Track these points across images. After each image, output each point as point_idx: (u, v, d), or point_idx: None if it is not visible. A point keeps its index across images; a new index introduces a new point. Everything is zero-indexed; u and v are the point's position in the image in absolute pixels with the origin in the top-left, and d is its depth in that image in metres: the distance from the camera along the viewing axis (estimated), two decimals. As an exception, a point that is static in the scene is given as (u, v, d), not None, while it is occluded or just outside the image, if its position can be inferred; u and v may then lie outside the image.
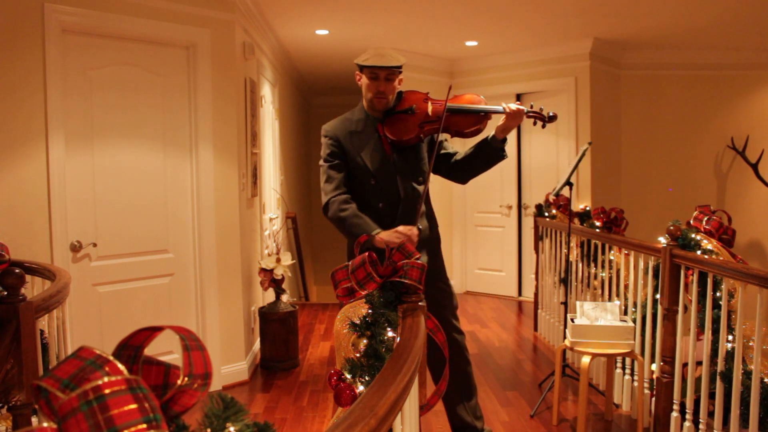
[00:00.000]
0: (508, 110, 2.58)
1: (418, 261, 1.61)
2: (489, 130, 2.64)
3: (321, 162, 2.71)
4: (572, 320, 3.10)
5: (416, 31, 5.32)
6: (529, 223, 6.30)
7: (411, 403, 1.36)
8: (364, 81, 2.65)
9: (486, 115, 2.66)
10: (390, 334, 1.44)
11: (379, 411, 0.94)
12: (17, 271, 1.95)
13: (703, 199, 5.52)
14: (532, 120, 2.71)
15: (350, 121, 2.71)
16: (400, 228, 2.51)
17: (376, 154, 2.65)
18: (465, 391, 2.80)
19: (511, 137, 5.90)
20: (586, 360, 2.97)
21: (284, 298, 4.36)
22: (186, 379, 0.63)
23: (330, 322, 5.55)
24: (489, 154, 2.67)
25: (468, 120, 2.65)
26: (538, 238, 5.04)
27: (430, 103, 2.68)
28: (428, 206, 2.79)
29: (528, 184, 6.41)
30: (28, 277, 2.46)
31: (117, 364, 0.58)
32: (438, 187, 6.41)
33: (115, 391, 0.54)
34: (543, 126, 2.73)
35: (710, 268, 2.58)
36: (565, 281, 4.12)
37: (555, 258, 4.63)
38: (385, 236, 2.48)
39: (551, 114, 2.68)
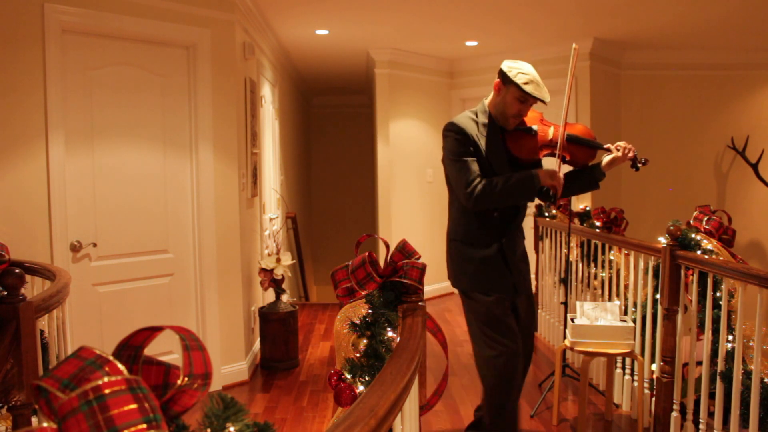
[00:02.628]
0: (616, 149, 2.69)
1: (418, 261, 1.61)
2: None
3: (454, 157, 2.61)
4: (572, 320, 3.10)
5: (416, 31, 5.32)
6: (529, 223, 6.28)
7: (411, 403, 1.36)
8: (508, 97, 2.61)
9: (596, 150, 2.75)
10: (390, 334, 1.44)
11: (379, 411, 0.94)
12: (17, 271, 1.95)
13: (703, 199, 5.52)
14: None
15: (476, 122, 2.67)
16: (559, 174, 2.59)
17: (500, 161, 2.65)
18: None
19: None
20: (586, 360, 2.97)
21: (284, 298, 4.35)
22: (186, 379, 0.63)
23: (330, 322, 5.55)
24: (588, 182, 2.76)
25: (583, 152, 2.74)
26: (538, 238, 5.04)
27: (551, 127, 2.73)
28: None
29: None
30: (28, 277, 2.47)
31: (117, 364, 0.58)
32: (439, 186, 6.41)
33: (115, 391, 0.54)
34: (636, 170, 2.78)
35: (710, 268, 2.58)
36: (565, 281, 4.12)
37: (555, 258, 4.62)
38: (546, 175, 2.57)
39: (644, 160, 2.74)
